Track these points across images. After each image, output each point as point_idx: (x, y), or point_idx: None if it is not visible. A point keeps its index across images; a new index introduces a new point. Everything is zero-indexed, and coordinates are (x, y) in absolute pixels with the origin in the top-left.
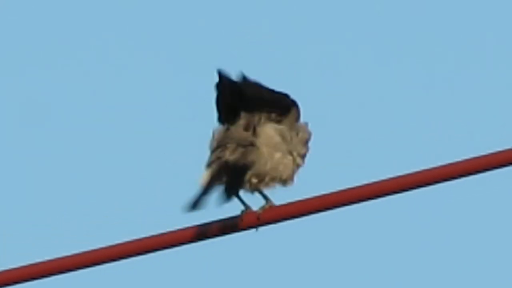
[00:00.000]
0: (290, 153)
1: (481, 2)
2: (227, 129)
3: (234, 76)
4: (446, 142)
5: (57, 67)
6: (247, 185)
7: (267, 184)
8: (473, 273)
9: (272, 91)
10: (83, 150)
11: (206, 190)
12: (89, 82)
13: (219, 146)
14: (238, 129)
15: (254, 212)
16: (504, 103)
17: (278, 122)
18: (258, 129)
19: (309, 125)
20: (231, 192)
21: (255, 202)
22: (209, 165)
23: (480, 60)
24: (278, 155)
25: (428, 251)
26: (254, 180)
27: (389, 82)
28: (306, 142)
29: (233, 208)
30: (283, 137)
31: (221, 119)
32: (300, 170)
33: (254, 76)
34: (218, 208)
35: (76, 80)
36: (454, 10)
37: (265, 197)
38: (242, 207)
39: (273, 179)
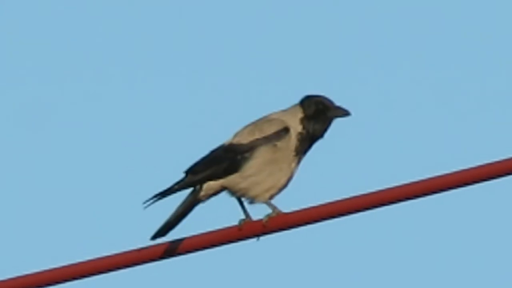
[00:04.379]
0: None
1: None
2: None
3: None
4: (451, 150)
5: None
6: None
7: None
8: (481, 280)
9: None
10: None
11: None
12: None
13: None
14: None
15: (254, 222)
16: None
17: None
18: None
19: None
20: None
21: (258, 211)
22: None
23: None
24: None
25: (435, 259)
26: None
27: (396, 95)
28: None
29: (230, 216)
30: None
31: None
32: (308, 178)
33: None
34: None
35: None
36: (462, 18)
37: (270, 206)
38: (241, 216)
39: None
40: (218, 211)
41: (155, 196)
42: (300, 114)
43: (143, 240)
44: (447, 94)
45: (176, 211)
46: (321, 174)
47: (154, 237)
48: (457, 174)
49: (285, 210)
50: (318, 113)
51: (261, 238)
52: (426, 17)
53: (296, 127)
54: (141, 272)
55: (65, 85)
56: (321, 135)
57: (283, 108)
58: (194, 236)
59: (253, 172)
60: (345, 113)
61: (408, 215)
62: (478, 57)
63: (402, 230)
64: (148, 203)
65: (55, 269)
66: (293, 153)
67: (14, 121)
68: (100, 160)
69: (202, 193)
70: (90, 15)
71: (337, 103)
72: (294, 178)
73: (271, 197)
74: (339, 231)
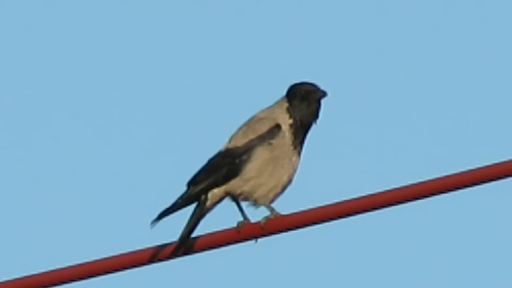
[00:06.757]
0: None
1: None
2: None
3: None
4: (453, 151)
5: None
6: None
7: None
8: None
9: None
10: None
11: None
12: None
13: None
14: None
15: (252, 224)
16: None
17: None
18: None
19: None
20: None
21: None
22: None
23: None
24: None
25: (435, 261)
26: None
27: (398, 96)
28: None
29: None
30: None
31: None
32: (306, 180)
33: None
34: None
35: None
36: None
37: (268, 208)
38: (240, 218)
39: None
40: (216, 214)
41: (161, 214)
42: (286, 106)
43: (143, 241)
44: (448, 94)
45: (187, 225)
46: (319, 176)
47: (172, 254)
48: (458, 175)
49: (283, 212)
50: (302, 100)
51: (259, 240)
52: (426, 11)
53: (286, 121)
54: (140, 274)
55: (63, 94)
56: (312, 121)
57: (274, 100)
58: (192, 239)
59: (255, 174)
60: (322, 94)
61: (408, 217)
62: (479, 57)
63: (402, 232)
64: (155, 223)
65: (60, 269)
66: (291, 147)
67: (17, 122)
68: (100, 160)
69: (208, 203)
70: (89, 15)
71: (338, 103)
72: (297, 174)
73: (275, 196)
74: (338, 233)
